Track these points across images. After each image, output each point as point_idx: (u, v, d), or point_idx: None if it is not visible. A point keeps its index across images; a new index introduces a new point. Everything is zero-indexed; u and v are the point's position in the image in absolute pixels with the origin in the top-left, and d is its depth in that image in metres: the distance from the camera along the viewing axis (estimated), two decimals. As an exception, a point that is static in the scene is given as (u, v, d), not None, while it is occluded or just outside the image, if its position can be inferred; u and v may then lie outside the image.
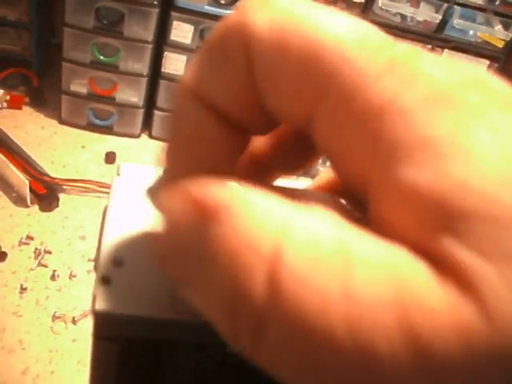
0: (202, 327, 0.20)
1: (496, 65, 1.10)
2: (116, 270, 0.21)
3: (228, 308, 0.14)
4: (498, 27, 1.08)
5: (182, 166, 0.18)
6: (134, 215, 0.24)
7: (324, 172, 0.23)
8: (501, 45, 1.07)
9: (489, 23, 1.08)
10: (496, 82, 0.14)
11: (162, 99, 1.11)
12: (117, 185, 0.26)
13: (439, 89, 0.14)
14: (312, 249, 0.13)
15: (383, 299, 0.12)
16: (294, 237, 0.13)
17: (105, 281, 0.21)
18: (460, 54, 1.10)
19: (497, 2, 1.06)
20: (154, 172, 0.27)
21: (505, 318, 0.12)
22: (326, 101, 0.14)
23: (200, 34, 1.03)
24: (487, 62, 1.11)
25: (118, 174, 0.28)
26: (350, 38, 0.14)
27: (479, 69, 0.15)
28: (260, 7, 0.15)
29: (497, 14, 1.08)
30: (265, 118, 0.17)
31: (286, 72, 0.15)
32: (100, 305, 0.20)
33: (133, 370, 0.23)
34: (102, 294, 0.20)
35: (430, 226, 0.13)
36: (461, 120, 0.13)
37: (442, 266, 0.12)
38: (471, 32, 1.10)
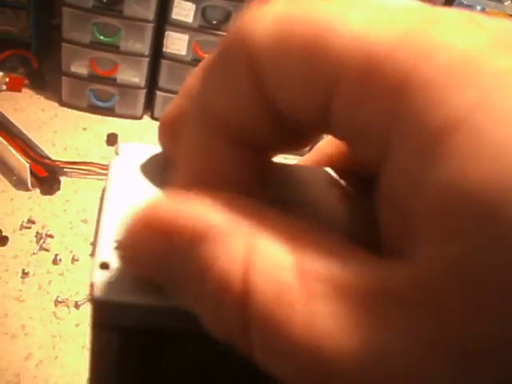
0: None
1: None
2: (115, 254, 0.20)
3: (214, 312, 0.14)
4: (508, 3, 1.06)
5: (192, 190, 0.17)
6: (134, 196, 0.23)
7: (322, 145, 0.22)
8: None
9: (498, -2, 1.05)
10: None
11: (164, 79, 1.09)
12: (115, 165, 0.25)
13: (460, 57, 0.12)
14: (274, 280, 0.13)
15: (343, 327, 0.12)
16: (258, 266, 0.13)
17: (103, 266, 0.20)
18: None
19: (506, -23, 1.04)
20: (154, 151, 0.26)
21: None
22: (339, 85, 0.14)
23: (202, 12, 1.01)
24: (496, 38, 1.09)
25: (117, 154, 0.26)
26: (355, 17, 0.13)
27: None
28: (256, 17, 0.15)
29: (506, -12, 1.05)
30: (278, 129, 0.16)
31: (294, 67, 0.14)
32: (99, 292, 0.19)
33: (134, 359, 0.21)
34: (100, 281, 0.19)
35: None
36: (485, 96, 0.11)
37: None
38: (479, 7, 1.07)
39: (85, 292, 0.75)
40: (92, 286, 0.19)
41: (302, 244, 0.13)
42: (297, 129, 0.17)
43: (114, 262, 0.20)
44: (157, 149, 0.26)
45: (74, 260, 0.79)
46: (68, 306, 0.73)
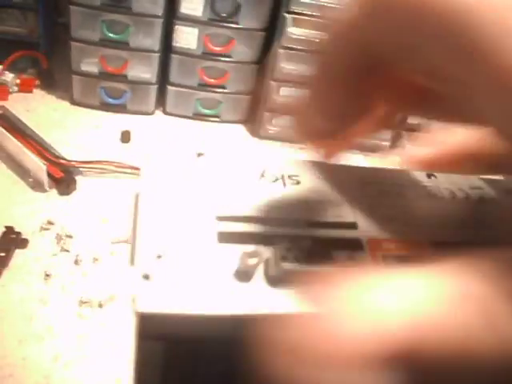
0: (249, 321, 0.19)
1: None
2: (156, 265, 0.20)
3: None
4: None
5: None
6: (168, 205, 0.23)
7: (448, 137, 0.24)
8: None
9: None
10: None
11: (174, 74, 1.09)
12: (146, 173, 0.25)
13: None
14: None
15: None
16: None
17: (145, 278, 0.20)
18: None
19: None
20: (181, 158, 0.26)
21: None
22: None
23: (211, 5, 1.00)
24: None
25: (147, 161, 0.26)
26: None
27: None
28: None
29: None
30: None
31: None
32: (142, 305, 0.19)
33: (178, 366, 0.22)
34: (143, 293, 0.19)
35: None
36: None
37: None
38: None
39: (107, 291, 0.75)
40: (134, 298, 0.19)
41: None
42: None
43: (155, 274, 0.20)
44: (183, 155, 0.26)
45: (95, 260, 0.79)
46: (92, 307, 0.73)
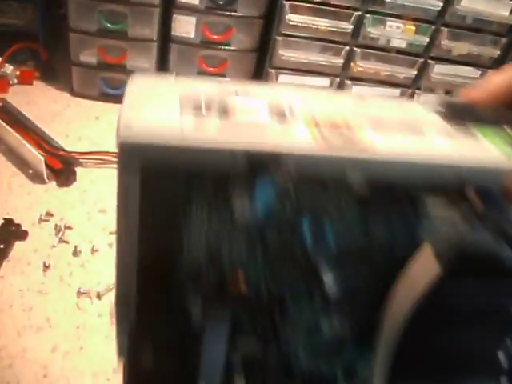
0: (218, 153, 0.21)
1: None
2: (137, 113, 0.22)
3: None
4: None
5: None
6: (149, 92, 0.25)
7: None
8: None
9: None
10: None
11: (173, 63, 1.08)
12: (130, 84, 0.28)
13: None
14: None
15: None
16: None
17: (128, 127, 0.21)
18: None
19: None
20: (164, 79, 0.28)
21: None
22: None
23: (208, -7, 0.99)
24: None
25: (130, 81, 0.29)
26: None
27: None
28: None
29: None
30: None
31: None
32: (123, 134, 0.21)
33: (157, 204, 0.23)
34: (125, 124, 0.21)
35: None
36: None
37: None
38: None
39: (106, 282, 0.75)
40: (118, 129, 0.21)
41: None
42: None
43: (136, 119, 0.22)
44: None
45: (93, 251, 0.80)
46: (90, 297, 0.74)
